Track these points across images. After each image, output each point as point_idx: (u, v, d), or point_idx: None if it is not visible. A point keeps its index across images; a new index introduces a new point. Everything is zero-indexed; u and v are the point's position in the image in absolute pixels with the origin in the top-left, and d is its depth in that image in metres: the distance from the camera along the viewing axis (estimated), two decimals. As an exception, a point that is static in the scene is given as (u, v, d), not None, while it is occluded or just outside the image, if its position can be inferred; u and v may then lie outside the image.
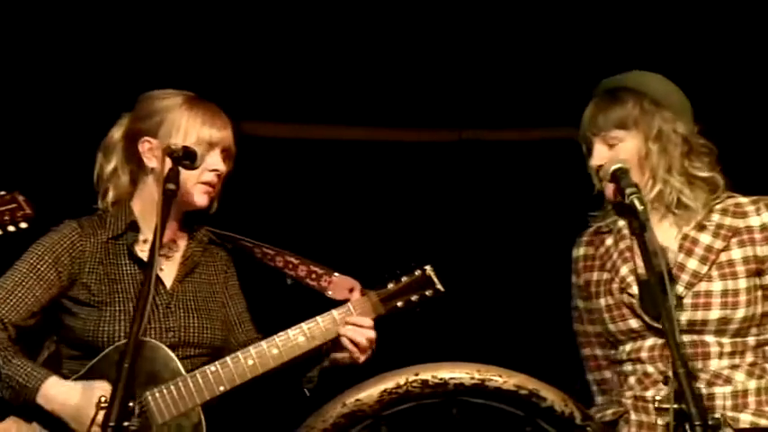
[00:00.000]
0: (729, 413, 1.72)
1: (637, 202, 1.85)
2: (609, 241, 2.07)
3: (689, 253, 2.01)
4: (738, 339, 1.88)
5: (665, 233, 2.15)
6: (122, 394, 1.61)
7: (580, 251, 1.98)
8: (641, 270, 1.99)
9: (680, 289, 1.95)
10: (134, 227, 2.25)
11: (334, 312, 2.22)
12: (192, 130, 2.20)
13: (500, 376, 1.18)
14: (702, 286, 1.96)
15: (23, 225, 2.77)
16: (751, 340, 1.90)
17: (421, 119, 4.49)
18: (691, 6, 3.78)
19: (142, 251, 2.31)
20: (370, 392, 1.21)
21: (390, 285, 2.13)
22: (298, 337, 2.20)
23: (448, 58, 4.30)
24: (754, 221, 2.02)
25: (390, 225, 4.39)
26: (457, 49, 4.22)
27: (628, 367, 1.98)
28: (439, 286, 2.13)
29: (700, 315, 1.92)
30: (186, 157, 2.06)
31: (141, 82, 4.27)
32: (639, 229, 1.85)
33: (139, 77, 4.32)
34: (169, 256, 2.33)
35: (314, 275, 2.51)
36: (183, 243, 2.34)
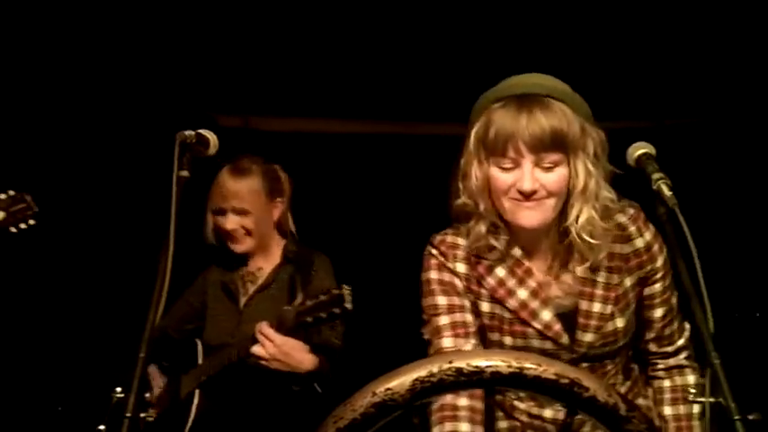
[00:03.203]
0: None
1: (665, 188, 1.80)
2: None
3: (591, 297, 1.97)
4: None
5: (555, 274, 2.06)
6: (138, 385, 1.61)
7: None
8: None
9: (588, 336, 1.92)
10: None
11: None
12: None
13: (539, 364, 1.12)
14: (609, 327, 1.95)
15: (32, 222, 2.99)
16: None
17: (434, 113, 4.46)
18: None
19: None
20: (401, 381, 1.16)
21: (308, 302, 2.54)
22: None
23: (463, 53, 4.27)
24: (639, 243, 1.97)
25: (402, 217, 4.36)
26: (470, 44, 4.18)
27: None
28: (348, 305, 2.47)
29: (607, 349, 1.96)
30: (199, 144, 2.05)
31: (152, 80, 4.26)
32: (668, 215, 1.80)
33: (151, 75, 4.29)
34: (253, 281, 2.94)
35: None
36: (268, 267, 2.93)
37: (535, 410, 2.01)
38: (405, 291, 2.22)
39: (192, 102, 4.39)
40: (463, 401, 1.89)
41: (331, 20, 4.27)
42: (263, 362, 2.58)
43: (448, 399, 1.89)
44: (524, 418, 2.03)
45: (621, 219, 1.98)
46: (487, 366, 1.14)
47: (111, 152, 4.26)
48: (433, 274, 2.04)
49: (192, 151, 2.09)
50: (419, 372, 1.16)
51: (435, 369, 1.16)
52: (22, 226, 2.93)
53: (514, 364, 1.14)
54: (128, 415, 1.63)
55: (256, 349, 2.57)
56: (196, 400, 2.79)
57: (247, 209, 2.84)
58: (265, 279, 2.91)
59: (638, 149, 1.93)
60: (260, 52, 4.42)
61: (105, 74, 4.31)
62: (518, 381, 1.14)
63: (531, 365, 1.14)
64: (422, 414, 1.63)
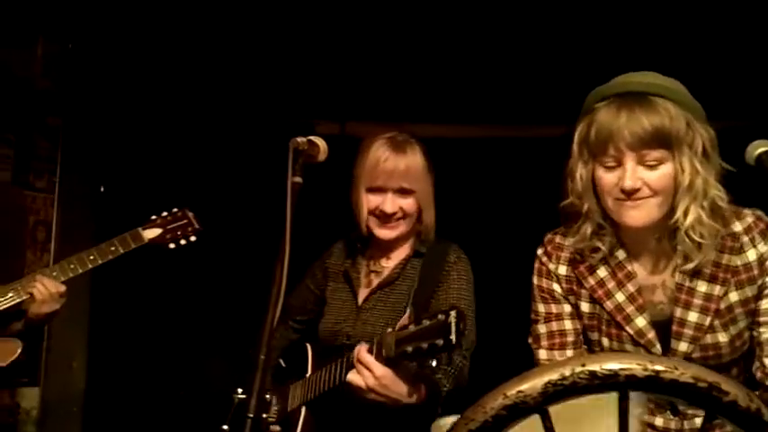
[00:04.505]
0: None
1: None
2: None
3: (687, 305, 1.88)
4: None
5: (661, 278, 1.97)
6: (259, 386, 1.63)
7: None
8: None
9: (683, 346, 1.84)
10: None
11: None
12: None
13: (675, 368, 1.10)
14: (708, 339, 1.87)
15: (193, 239, 3.03)
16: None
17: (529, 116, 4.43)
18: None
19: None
20: (533, 384, 1.15)
21: (411, 328, 2.15)
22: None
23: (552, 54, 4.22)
24: (751, 256, 1.88)
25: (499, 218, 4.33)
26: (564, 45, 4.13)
27: None
28: (452, 337, 2.02)
29: (711, 363, 1.86)
30: (311, 150, 2.09)
31: (251, 89, 4.35)
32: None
33: (250, 84, 4.38)
34: (379, 270, 2.68)
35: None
36: (397, 259, 2.63)
37: (645, 418, 1.98)
38: (521, 294, 2.21)
39: (290, 109, 4.47)
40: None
41: (427, 26, 4.29)
42: (360, 391, 2.31)
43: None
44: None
45: (736, 227, 1.92)
46: (622, 369, 1.12)
47: (223, 160, 4.37)
48: (536, 279, 2.07)
49: (304, 157, 2.13)
50: (551, 375, 1.15)
51: (568, 372, 1.15)
52: (182, 243, 2.99)
53: (650, 367, 1.12)
54: (250, 415, 1.66)
55: (352, 378, 2.29)
56: (302, 417, 2.58)
57: (413, 188, 2.61)
58: (390, 273, 2.69)
59: (759, 147, 1.88)
60: (356, 59, 4.47)
61: (206, 83, 4.42)
62: (653, 384, 1.12)
63: (668, 368, 1.12)
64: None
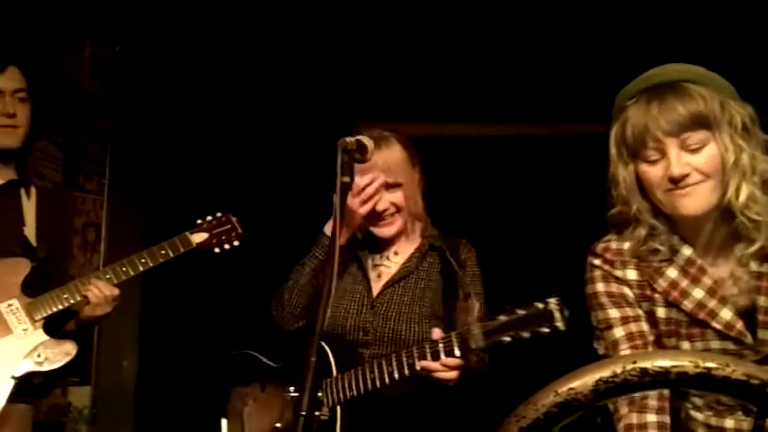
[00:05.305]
0: None
1: None
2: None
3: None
4: None
5: (727, 270, 1.91)
6: (311, 385, 1.66)
7: None
8: None
9: None
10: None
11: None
12: None
13: (727, 364, 1.10)
14: None
15: (236, 243, 3.08)
16: None
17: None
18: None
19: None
20: (584, 381, 1.15)
21: (501, 318, 2.12)
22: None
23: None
24: None
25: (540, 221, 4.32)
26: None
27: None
28: (558, 324, 2.06)
29: None
30: (358, 151, 2.11)
31: (292, 90, 4.39)
32: None
33: (291, 84, 4.42)
34: (388, 265, 2.70)
35: (462, 296, 2.61)
36: (406, 253, 2.58)
37: (714, 421, 1.90)
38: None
39: (331, 109, 4.50)
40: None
41: (457, 25, 4.30)
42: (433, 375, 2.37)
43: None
44: (701, 431, 1.94)
45: None
46: (673, 366, 1.13)
47: (267, 161, 4.42)
48: (600, 287, 1.98)
49: (352, 157, 2.15)
50: (602, 372, 1.16)
51: (619, 369, 1.15)
52: (226, 247, 3.05)
53: (701, 363, 1.12)
54: (303, 413, 1.68)
55: (427, 364, 2.35)
56: (339, 419, 2.49)
57: (398, 181, 2.67)
58: (402, 268, 2.72)
59: None
60: (396, 60, 4.49)
61: (251, 85, 4.48)
62: (705, 382, 1.12)
63: (719, 365, 1.12)
64: (604, 414, 1.62)
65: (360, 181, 2.53)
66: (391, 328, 2.58)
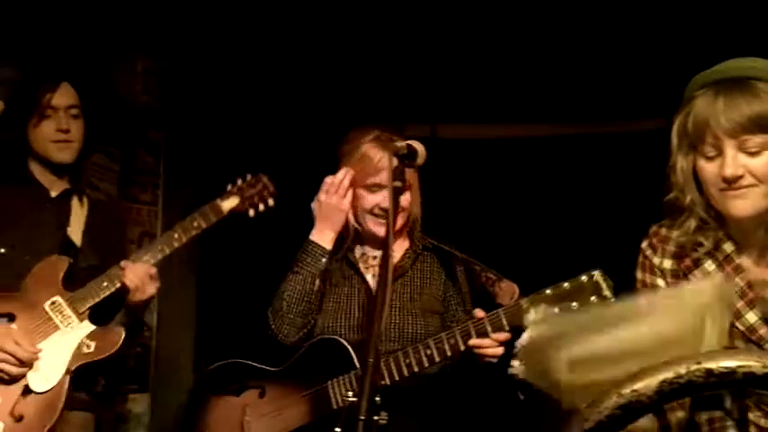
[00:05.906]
0: None
1: None
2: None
3: None
4: None
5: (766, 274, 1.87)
6: (370, 389, 1.66)
7: None
8: None
9: None
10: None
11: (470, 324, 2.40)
12: None
13: (795, 365, 1.08)
14: None
15: (271, 202, 3.05)
16: None
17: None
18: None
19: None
20: (647, 382, 1.14)
21: (548, 292, 2.21)
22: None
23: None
24: None
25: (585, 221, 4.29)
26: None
27: None
28: (606, 293, 2.13)
29: None
30: (409, 155, 2.12)
31: (343, 91, 4.43)
32: None
33: (341, 86, 4.45)
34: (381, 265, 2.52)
35: (490, 282, 2.61)
36: (399, 252, 2.62)
37: (763, 422, 1.89)
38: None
39: (381, 112, 4.51)
40: None
41: (514, 26, 4.29)
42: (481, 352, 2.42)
43: None
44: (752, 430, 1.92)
45: None
46: (740, 367, 1.11)
47: (315, 168, 4.43)
48: (639, 274, 2.01)
49: (403, 162, 2.16)
50: (666, 373, 1.15)
51: (683, 370, 1.14)
52: (261, 208, 3.02)
53: (769, 364, 1.11)
54: (361, 418, 1.69)
55: (479, 341, 2.40)
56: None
57: (408, 182, 2.64)
58: (398, 266, 2.74)
59: None
60: (444, 62, 4.49)
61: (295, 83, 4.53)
62: (773, 381, 1.11)
63: (787, 365, 1.10)
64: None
65: (334, 178, 2.68)
66: (395, 323, 2.63)
